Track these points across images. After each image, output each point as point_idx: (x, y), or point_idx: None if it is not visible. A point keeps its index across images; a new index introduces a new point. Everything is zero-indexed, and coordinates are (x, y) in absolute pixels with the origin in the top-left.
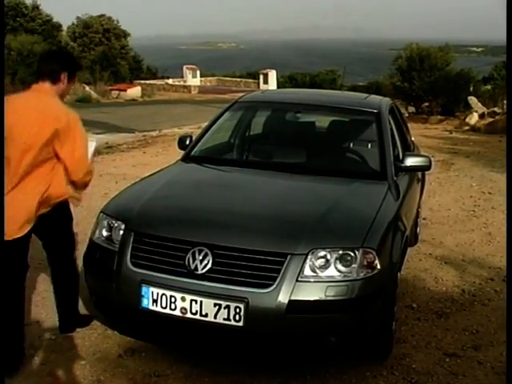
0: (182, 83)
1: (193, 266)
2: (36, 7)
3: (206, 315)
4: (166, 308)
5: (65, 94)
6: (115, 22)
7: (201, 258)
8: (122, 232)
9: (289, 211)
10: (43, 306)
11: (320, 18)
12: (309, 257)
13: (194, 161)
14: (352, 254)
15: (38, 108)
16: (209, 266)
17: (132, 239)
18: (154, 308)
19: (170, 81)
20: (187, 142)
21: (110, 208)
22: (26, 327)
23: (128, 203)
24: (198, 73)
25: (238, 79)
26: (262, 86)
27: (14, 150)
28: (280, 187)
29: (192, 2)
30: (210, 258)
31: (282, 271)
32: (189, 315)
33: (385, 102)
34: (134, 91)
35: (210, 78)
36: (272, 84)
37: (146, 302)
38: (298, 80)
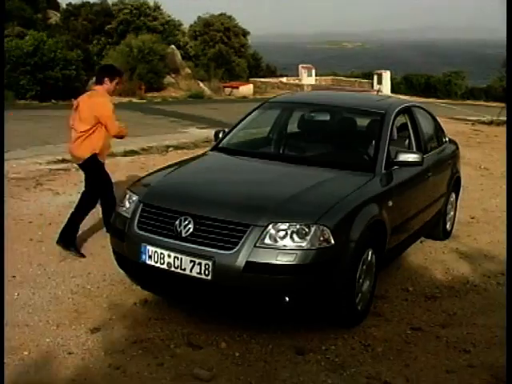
0: (296, 82)
1: (179, 230)
2: (158, 7)
3: (185, 269)
4: (157, 262)
5: (110, 91)
6: (235, 21)
7: (185, 224)
8: (135, 203)
9: (264, 191)
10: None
11: (451, 19)
12: (269, 228)
13: (220, 151)
14: (306, 229)
15: (88, 101)
16: (190, 230)
17: (140, 209)
18: (149, 262)
19: (284, 79)
20: (220, 135)
21: (133, 185)
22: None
23: (146, 182)
24: (314, 72)
25: (353, 79)
26: (376, 86)
27: (78, 122)
28: (271, 173)
29: (320, 3)
30: (192, 224)
31: (244, 238)
32: (173, 269)
33: (396, 104)
34: (246, 89)
35: (326, 78)
36: (386, 84)
37: (144, 257)
38: (413, 81)
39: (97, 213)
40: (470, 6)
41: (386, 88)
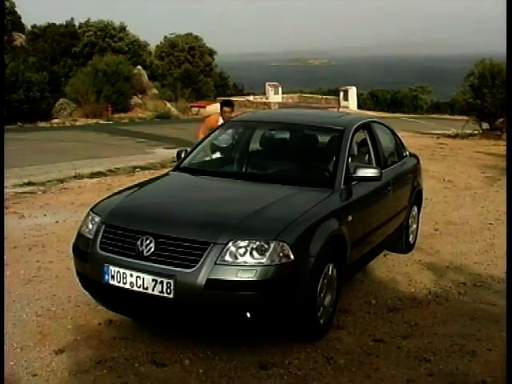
0: (263, 100)
1: (140, 250)
2: (123, 28)
3: (147, 288)
4: (120, 282)
5: (225, 116)
6: (201, 40)
7: (146, 243)
8: (97, 224)
9: (224, 209)
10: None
11: (413, 34)
12: (229, 246)
13: (183, 170)
14: (266, 246)
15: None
16: (152, 250)
17: (103, 230)
18: (112, 282)
19: (251, 97)
20: (182, 155)
21: (96, 207)
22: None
23: (108, 203)
24: (280, 89)
25: (319, 96)
26: (343, 103)
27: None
28: (232, 192)
29: (283, 20)
30: (153, 244)
31: (204, 256)
32: (135, 288)
33: (355, 121)
34: (213, 108)
35: (292, 95)
36: (352, 100)
37: (107, 278)
38: (379, 97)
39: (62, 234)
40: (431, 24)
41: (352, 104)
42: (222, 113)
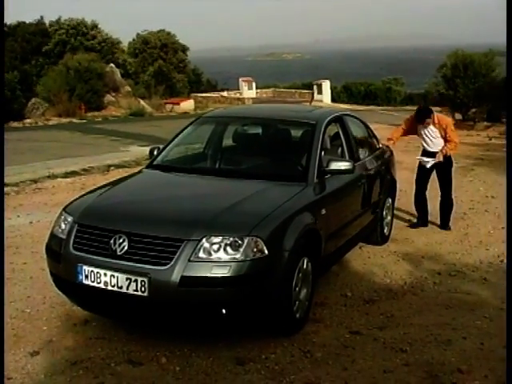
0: (237, 95)
1: (114, 249)
2: (95, 26)
3: (121, 287)
4: (94, 282)
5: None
6: (174, 37)
7: (120, 242)
8: (70, 224)
9: (197, 206)
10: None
11: (389, 27)
12: (202, 242)
13: (155, 168)
14: (240, 241)
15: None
16: (125, 248)
17: (75, 229)
18: (86, 282)
19: (225, 93)
20: (155, 152)
21: (68, 206)
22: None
23: (81, 202)
24: (254, 85)
25: (293, 90)
26: (316, 97)
27: None
28: (205, 188)
29: (257, 16)
30: (126, 242)
31: (178, 253)
32: (110, 287)
33: (327, 114)
34: (187, 104)
35: (266, 90)
36: (326, 94)
37: (81, 278)
38: (353, 90)
39: (36, 235)
40: (407, 15)
41: (326, 97)
42: (422, 121)
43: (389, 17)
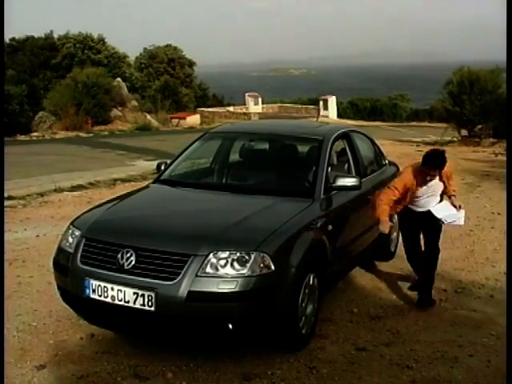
0: (243, 110)
1: (121, 263)
2: (102, 40)
3: (128, 301)
4: (101, 296)
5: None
6: (180, 51)
7: (127, 256)
8: (77, 238)
9: (205, 221)
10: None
11: (396, 43)
12: (210, 257)
13: (163, 183)
14: (247, 257)
15: None
16: (133, 263)
17: (83, 243)
18: (93, 296)
19: (231, 108)
20: (162, 167)
21: (76, 220)
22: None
23: (88, 216)
24: (260, 100)
25: (299, 106)
26: (323, 112)
27: None
28: (212, 203)
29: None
30: (133, 257)
31: (185, 268)
32: (117, 302)
33: (334, 130)
34: (193, 119)
35: (272, 105)
36: (332, 109)
37: (88, 292)
38: (359, 105)
39: (42, 248)
40: (406, 32)
41: (332, 113)
42: (432, 169)
43: (395, 34)
